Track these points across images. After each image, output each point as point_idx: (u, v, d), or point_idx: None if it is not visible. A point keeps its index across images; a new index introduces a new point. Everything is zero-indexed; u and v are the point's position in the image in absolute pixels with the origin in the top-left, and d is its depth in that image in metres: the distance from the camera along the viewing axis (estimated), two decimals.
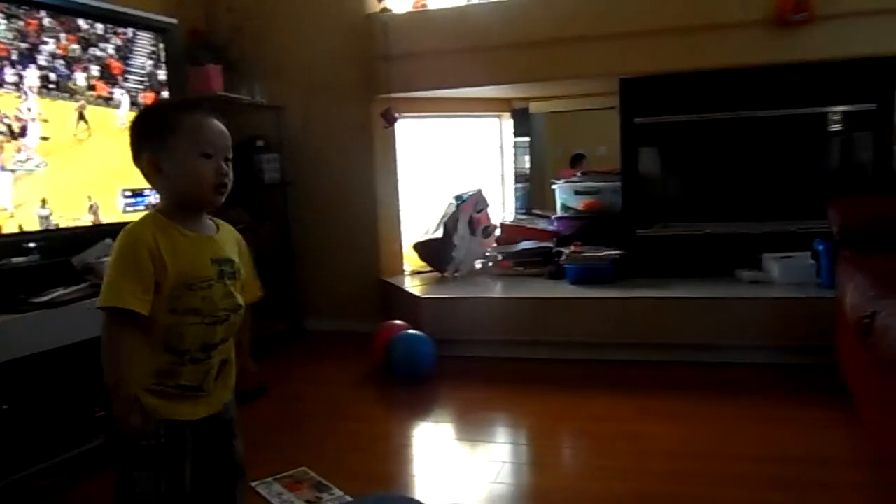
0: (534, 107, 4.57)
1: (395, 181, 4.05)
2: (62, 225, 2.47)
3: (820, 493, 1.91)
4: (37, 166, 2.37)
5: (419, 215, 4.20)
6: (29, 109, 2.36)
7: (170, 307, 1.24)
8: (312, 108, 3.89)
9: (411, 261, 4.07)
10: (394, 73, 3.62)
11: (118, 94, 2.73)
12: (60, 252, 2.38)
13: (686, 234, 3.50)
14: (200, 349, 1.29)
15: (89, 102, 2.59)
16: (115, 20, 2.71)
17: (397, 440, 2.53)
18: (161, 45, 2.94)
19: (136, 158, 1.30)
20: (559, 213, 4.08)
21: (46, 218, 2.43)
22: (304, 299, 3.96)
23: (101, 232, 2.46)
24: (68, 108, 2.53)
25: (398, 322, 3.24)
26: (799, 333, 2.91)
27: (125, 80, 2.77)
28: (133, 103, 2.75)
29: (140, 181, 1.34)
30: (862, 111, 3.23)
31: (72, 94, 2.55)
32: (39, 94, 2.43)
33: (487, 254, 3.99)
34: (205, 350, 1.29)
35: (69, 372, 2.17)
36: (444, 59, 3.59)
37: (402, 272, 4.07)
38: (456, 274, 3.81)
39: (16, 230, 2.32)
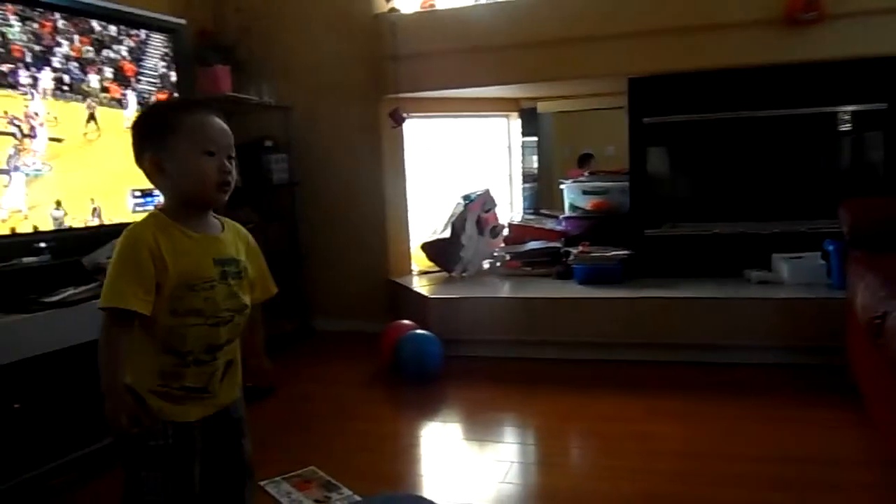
0: (542, 107, 4.57)
1: (403, 181, 4.05)
2: (73, 225, 2.49)
3: (831, 493, 1.90)
4: (37, 170, 2.38)
5: (427, 215, 4.20)
6: (36, 114, 2.37)
7: (171, 308, 1.23)
8: (320, 108, 3.89)
9: (419, 261, 4.07)
10: (402, 73, 3.62)
11: (129, 95, 2.75)
12: (71, 252, 2.40)
13: (695, 235, 3.48)
14: (205, 351, 1.28)
15: (100, 104, 2.61)
16: (124, 21, 2.73)
17: (405, 440, 2.53)
18: (170, 47, 2.96)
19: (139, 159, 1.29)
20: (567, 212, 4.07)
21: (60, 220, 2.45)
22: (313, 299, 3.96)
23: (111, 232, 2.47)
24: (78, 109, 2.54)
25: (406, 322, 3.24)
26: (809, 334, 2.90)
27: (138, 81, 2.79)
28: (140, 104, 2.77)
29: (149, 182, 1.33)
30: (873, 111, 3.21)
31: (85, 95, 2.57)
32: (54, 96, 2.45)
33: (495, 254, 3.99)
34: (209, 352, 1.29)
35: (79, 371, 2.18)
36: (452, 59, 3.59)
37: (409, 272, 4.07)
38: (464, 274, 3.81)
39: (28, 230, 2.33)
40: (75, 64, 2.53)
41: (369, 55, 3.76)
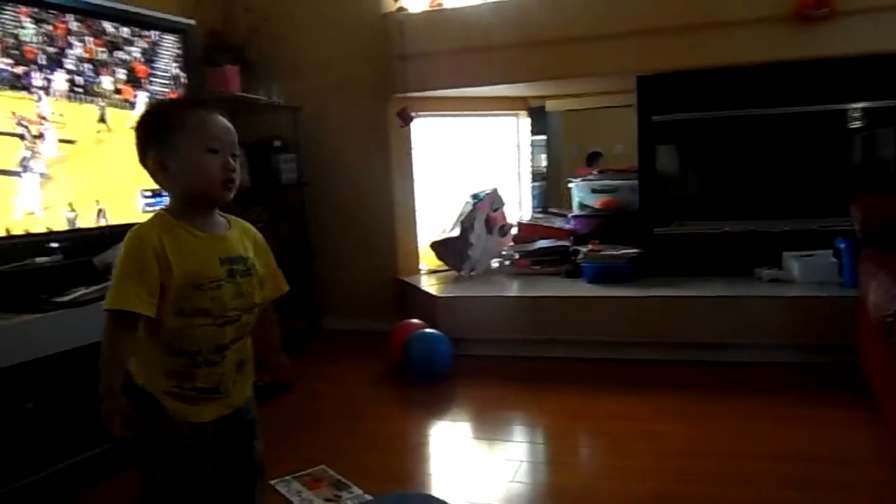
0: (550, 105, 4.56)
1: (412, 180, 4.05)
2: (84, 225, 2.50)
3: (842, 492, 1.89)
4: (43, 173, 2.40)
5: (435, 214, 4.20)
6: (44, 118, 2.38)
7: (177, 308, 1.22)
8: (329, 107, 3.90)
9: (428, 260, 4.08)
10: (410, 72, 3.62)
11: (141, 96, 2.76)
12: (83, 252, 2.41)
13: (705, 233, 3.47)
14: (214, 351, 1.27)
15: (111, 105, 2.62)
16: (134, 22, 2.73)
17: (415, 439, 2.53)
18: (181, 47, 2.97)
19: (143, 159, 1.29)
20: (576, 211, 4.07)
21: (73, 222, 2.47)
22: (321, 298, 3.97)
23: (122, 232, 2.48)
24: (90, 110, 2.56)
25: (415, 321, 3.24)
26: (820, 332, 2.88)
27: (150, 83, 2.80)
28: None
29: (153, 181, 1.33)
30: (884, 108, 3.18)
31: (98, 97, 2.58)
32: (67, 97, 2.46)
33: (504, 253, 3.98)
34: (218, 351, 1.28)
35: (90, 371, 2.19)
36: (459, 58, 3.58)
37: (418, 271, 4.08)
38: (472, 273, 3.80)
39: (39, 230, 2.35)
40: (88, 65, 2.54)
41: (377, 55, 3.76)
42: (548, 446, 2.43)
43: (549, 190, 4.66)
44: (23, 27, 2.32)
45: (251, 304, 1.33)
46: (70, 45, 2.48)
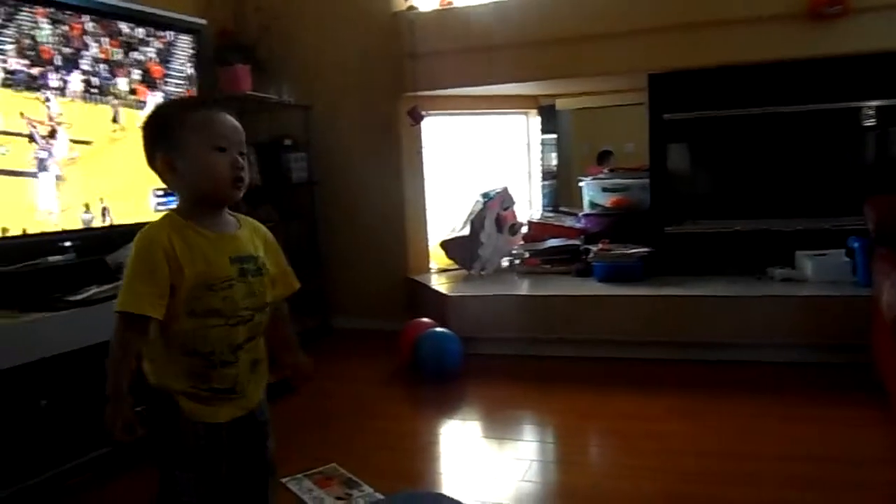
0: (560, 103, 4.55)
1: (422, 179, 4.05)
2: (97, 225, 2.52)
3: (855, 492, 1.88)
4: (55, 175, 2.41)
5: (446, 213, 4.20)
6: (50, 118, 2.38)
7: (188, 309, 1.22)
8: (339, 106, 3.91)
9: (438, 259, 4.08)
10: (420, 70, 3.63)
11: (154, 96, 2.78)
12: (95, 251, 2.42)
13: (716, 232, 3.45)
14: (228, 351, 1.27)
15: (124, 105, 2.64)
16: (145, 21, 2.75)
17: (425, 438, 2.54)
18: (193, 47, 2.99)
19: (151, 160, 1.28)
20: (587, 210, 4.05)
21: (89, 223, 2.49)
22: (332, 297, 3.98)
23: (134, 231, 2.49)
24: (105, 111, 2.58)
25: (425, 320, 3.24)
26: (833, 332, 2.86)
27: (165, 83, 2.82)
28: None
29: (162, 182, 1.32)
30: None
31: (113, 97, 2.60)
32: (83, 98, 2.48)
33: (514, 251, 3.98)
34: (232, 351, 1.28)
35: (102, 370, 2.21)
36: (470, 56, 3.58)
37: (428, 270, 4.08)
38: (483, 272, 3.80)
39: (50, 229, 2.37)
40: (104, 66, 2.56)
41: (388, 53, 3.77)
42: (558, 445, 2.42)
43: (560, 189, 4.65)
44: (39, 28, 2.34)
45: (263, 304, 1.33)
46: (86, 46, 2.49)
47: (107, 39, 2.58)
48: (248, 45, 3.69)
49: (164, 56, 2.83)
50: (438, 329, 3.12)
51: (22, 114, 2.28)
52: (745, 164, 3.55)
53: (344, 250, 3.98)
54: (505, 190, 3.94)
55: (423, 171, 4.05)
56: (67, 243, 2.38)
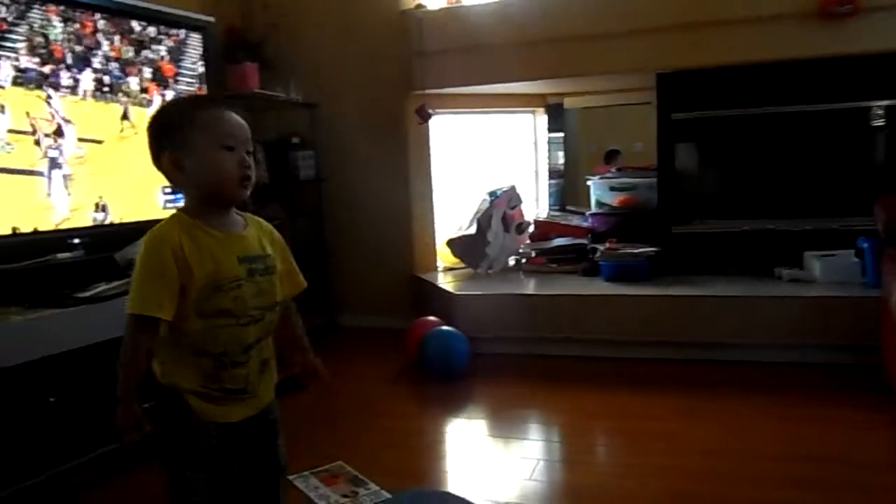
0: (568, 102, 4.54)
1: (429, 177, 4.05)
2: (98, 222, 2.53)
3: (860, 495, 1.87)
4: (64, 173, 2.42)
5: (453, 211, 4.20)
6: (53, 115, 2.37)
7: (198, 309, 1.21)
8: (347, 104, 3.91)
9: (444, 257, 4.08)
10: (428, 69, 3.62)
11: (166, 94, 2.78)
12: (104, 248, 2.43)
13: (724, 232, 3.44)
14: (240, 351, 1.27)
15: (134, 103, 2.64)
16: (152, 18, 2.75)
17: (431, 436, 2.54)
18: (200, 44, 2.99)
19: (157, 159, 1.27)
20: (594, 209, 4.04)
21: (101, 222, 2.50)
22: (339, 295, 3.99)
23: (142, 228, 2.50)
24: (116, 109, 2.58)
25: (431, 318, 3.24)
26: (842, 332, 2.85)
27: (176, 82, 2.82)
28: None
29: (168, 181, 1.31)
30: None
31: (125, 95, 2.60)
32: (94, 97, 2.49)
33: (521, 250, 3.97)
34: (244, 352, 1.28)
35: (110, 367, 2.21)
36: (478, 54, 3.58)
37: (435, 268, 4.08)
38: (489, 270, 3.80)
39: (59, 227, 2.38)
40: (115, 64, 2.57)
41: (396, 52, 3.77)
42: (564, 444, 2.42)
43: (567, 187, 4.64)
44: (52, 26, 2.35)
45: (273, 303, 1.32)
46: (98, 45, 2.50)
47: (118, 38, 2.59)
48: (255, 43, 3.69)
49: (176, 54, 2.83)
50: (445, 328, 3.12)
51: (28, 113, 2.27)
52: (753, 163, 3.54)
53: (351, 248, 3.99)
54: (512, 188, 3.94)
55: (430, 170, 4.05)
56: (76, 240, 2.39)
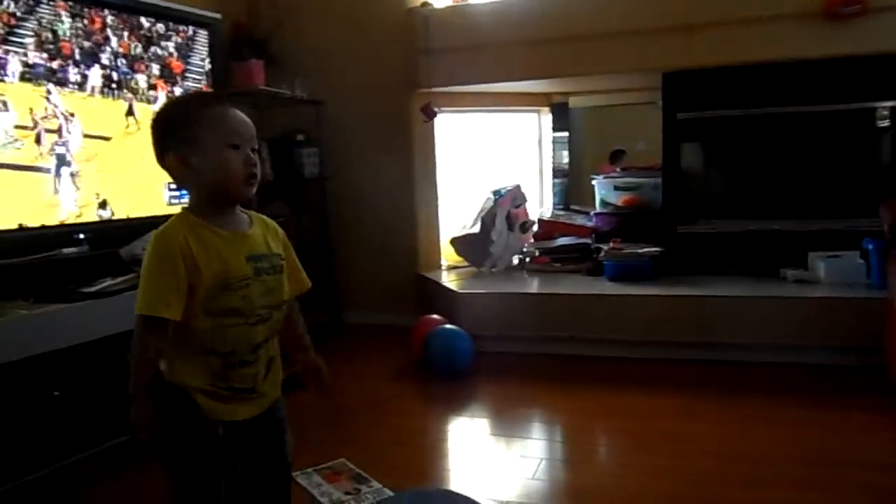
0: (573, 101, 4.53)
1: (434, 176, 4.05)
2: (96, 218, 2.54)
3: (864, 496, 1.87)
4: (71, 170, 2.42)
5: (457, 210, 4.20)
6: (56, 108, 2.36)
7: (206, 309, 1.21)
8: (352, 102, 3.91)
9: (448, 255, 4.08)
10: (434, 67, 3.62)
11: (170, 91, 2.78)
12: (109, 243, 2.44)
13: (729, 232, 3.43)
14: (248, 350, 1.27)
15: (139, 100, 2.65)
16: (158, 14, 2.76)
17: (434, 434, 2.54)
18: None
19: (162, 157, 1.26)
20: (598, 208, 4.04)
21: (110, 218, 2.51)
22: (343, 293, 3.99)
23: (148, 224, 2.50)
24: (119, 105, 2.58)
25: (435, 317, 3.25)
26: (847, 334, 2.84)
27: (184, 79, 2.83)
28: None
29: (173, 179, 1.30)
30: None
31: (132, 92, 2.61)
32: (102, 93, 2.49)
33: (525, 249, 3.97)
34: (253, 351, 1.28)
35: (115, 361, 2.22)
36: (484, 53, 3.57)
37: (439, 267, 4.08)
38: (493, 269, 3.80)
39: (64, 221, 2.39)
40: (123, 60, 2.57)
41: (401, 49, 3.76)
42: (567, 444, 2.42)
43: (571, 187, 4.63)
44: (61, 21, 2.35)
45: (280, 302, 1.32)
46: (107, 40, 2.50)
47: (127, 34, 2.59)
48: (261, 40, 3.69)
49: (185, 51, 2.83)
50: (449, 326, 3.12)
51: (31, 109, 2.27)
52: (758, 164, 3.53)
53: (355, 245, 3.99)
54: (516, 187, 3.94)
55: (435, 168, 4.05)
56: (81, 235, 2.39)
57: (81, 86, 2.43)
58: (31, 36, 2.26)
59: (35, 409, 2.03)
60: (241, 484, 1.31)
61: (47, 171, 2.32)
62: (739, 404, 2.55)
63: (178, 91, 2.80)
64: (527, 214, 3.99)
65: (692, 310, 3.06)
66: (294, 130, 3.78)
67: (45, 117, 2.31)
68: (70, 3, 2.38)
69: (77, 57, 2.41)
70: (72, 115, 2.39)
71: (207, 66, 2.97)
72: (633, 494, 1.96)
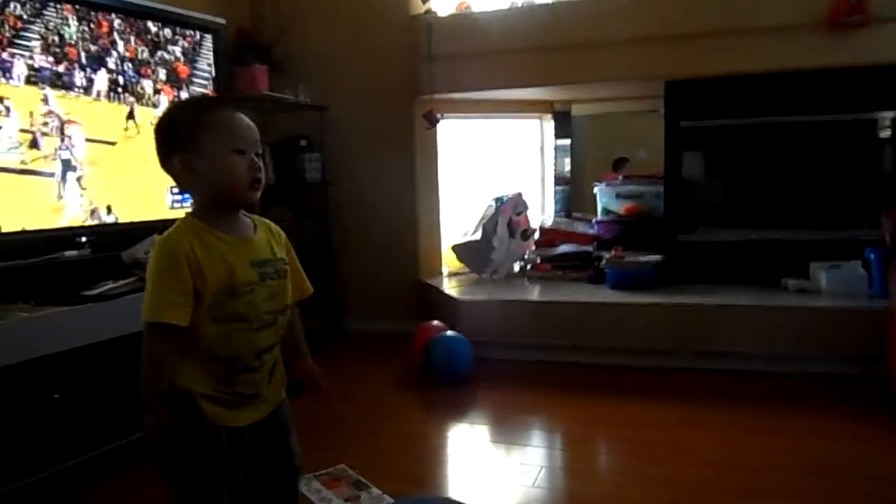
0: (575, 109, 4.54)
1: (436, 182, 4.06)
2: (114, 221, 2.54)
3: None
4: (76, 174, 2.42)
5: (459, 217, 4.20)
6: (49, 113, 2.35)
7: (212, 315, 1.21)
8: (355, 108, 3.91)
9: (450, 262, 4.08)
10: (437, 74, 3.63)
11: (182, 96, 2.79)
12: (111, 246, 2.44)
13: (730, 241, 3.43)
14: (253, 356, 1.27)
15: (141, 104, 2.65)
16: (165, 19, 2.76)
17: (435, 441, 2.53)
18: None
19: (166, 162, 1.25)
20: (600, 216, 4.04)
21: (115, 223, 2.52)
22: (344, 298, 3.99)
23: (149, 228, 2.51)
24: (121, 109, 2.59)
25: (436, 323, 3.24)
26: (848, 343, 2.84)
27: (190, 83, 2.83)
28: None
29: (177, 184, 1.30)
30: None
31: (138, 97, 2.61)
32: (108, 97, 2.50)
33: (526, 256, 3.97)
34: (257, 356, 1.27)
35: (116, 364, 2.22)
36: (487, 60, 3.58)
37: (440, 273, 4.08)
38: (494, 276, 3.80)
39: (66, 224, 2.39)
40: (129, 65, 2.58)
41: (405, 56, 3.78)
42: (567, 452, 2.41)
43: (573, 194, 4.63)
44: (68, 25, 2.36)
45: (284, 307, 1.32)
46: (114, 45, 2.51)
47: (134, 38, 2.60)
48: (265, 45, 3.70)
49: (191, 56, 2.84)
50: (450, 333, 3.11)
51: (31, 113, 2.26)
52: (760, 173, 3.54)
53: (356, 251, 3.99)
54: (518, 195, 3.94)
55: (437, 175, 4.06)
56: (83, 238, 2.40)
57: (87, 90, 2.44)
58: (38, 39, 2.27)
59: (35, 411, 2.02)
60: (247, 490, 1.31)
61: (50, 175, 2.32)
62: (740, 414, 2.55)
63: (183, 96, 2.80)
64: (528, 222, 3.99)
65: (693, 318, 3.06)
66: (297, 135, 3.78)
67: (46, 123, 2.31)
68: (77, 7, 2.39)
69: (83, 61, 2.41)
70: (70, 120, 2.38)
71: (214, 71, 2.97)
72: (634, 503, 1.95)
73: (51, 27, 2.31)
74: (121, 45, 2.55)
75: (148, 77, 2.67)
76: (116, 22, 2.53)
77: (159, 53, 2.70)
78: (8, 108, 2.19)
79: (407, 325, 3.44)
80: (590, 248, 3.83)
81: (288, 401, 1.41)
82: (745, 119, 3.37)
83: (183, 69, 2.81)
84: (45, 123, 2.30)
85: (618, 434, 2.48)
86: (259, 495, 1.34)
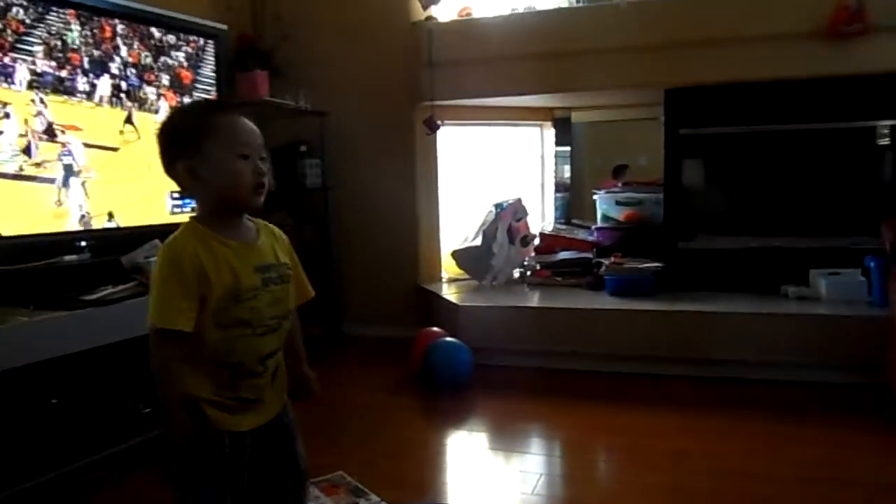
0: (576, 116, 4.54)
1: (436, 188, 4.06)
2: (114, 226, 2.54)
3: None
4: (78, 179, 2.42)
5: (458, 223, 4.20)
6: (41, 116, 2.32)
7: (216, 321, 1.20)
8: (355, 114, 3.92)
9: (449, 268, 4.08)
10: (437, 80, 3.63)
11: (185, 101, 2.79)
12: (111, 251, 2.44)
13: (730, 248, 3.43)
14: (257, 361, 1.26)
15: (140, 109, 2.66)
16: (167, 25, 2.77)
17: (433, 448, 2.53)
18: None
19: (170, 167, 1.25)
20: (599, 223, 4.05)
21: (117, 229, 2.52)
22: (344, 304, 3.98)
23: (150, 233, 2.51)
24: (119, 114, 2.59)
25: (436, 329, 3.24)
26: (848, 351, 2.83)
27: (193, 89, 2.84)
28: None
29: (180, 189, 1.30)
30: None
31: (137, 100, 2.62)
32: (110, 103, 2.50)
33: (526, 263, 3.97)
34: (261, 362, 1.27)
35: (116, 369, 2.22)
36: (487, 67, 3.59)
37: (440, 279, 4.08)
38: (494, 282, 3.80)
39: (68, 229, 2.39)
40: (132, 70, 2.58)
41: (405, 62, 3.78)
42: (566, 460, 2.41)
43: (573, 201, 4.63)
44: (70, 30, 2.36)
45: (287, 311, 1.32)
46: (116, 50, 2.51)
47: (137, 43, 2.60)
48: (266, 51, 3.71)
49: (195, 61, 2.85)
50: (449, 339, 3.11)
51: (26, 120, 2.25)
52: (760, 181, 3.54)
53: (356, 257, 3.99)
54: (518, 201, 3.94)
55: (437, 181, 4.06)
56: (83, 243, 2.40)
57: (90, 95, 2.44)
58: (40, 44, 2.27)
59: (36, 416, 2.02)
60: (254, 494, 1.30)
61: (51, 181, 2.32)
62: (739, 422, 2.54)
63: (185, 101, 2.80)
64: (528, 228, 3.99)
65: (693, 326, 3.06)
66: (297, 141, 3.79)
67: (44, 129, 2.31)
68: (80, 12, 2.39)
69: (86, 66, 2.41)
70: (65, 126, 2.36)
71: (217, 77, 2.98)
72: None
73: (53, 32, 2.31)
74: (124, 51, 2.55)
75: (151, 83, 2.67)
76: (119, 27, 2.54)
77: (162, 59, 2.71)
78: (8, 114, 2.19)
79: (406, 330, 3.44)
80: (589, 255, 3.83)
81: (290, 404, 1.40)
82: (745, 127, 3.37)
83: (186, 75, 2.81)
84: (35, 132, 2.28)
85: (617, 442, 2.48)
86: (266, 500, 1.33)
